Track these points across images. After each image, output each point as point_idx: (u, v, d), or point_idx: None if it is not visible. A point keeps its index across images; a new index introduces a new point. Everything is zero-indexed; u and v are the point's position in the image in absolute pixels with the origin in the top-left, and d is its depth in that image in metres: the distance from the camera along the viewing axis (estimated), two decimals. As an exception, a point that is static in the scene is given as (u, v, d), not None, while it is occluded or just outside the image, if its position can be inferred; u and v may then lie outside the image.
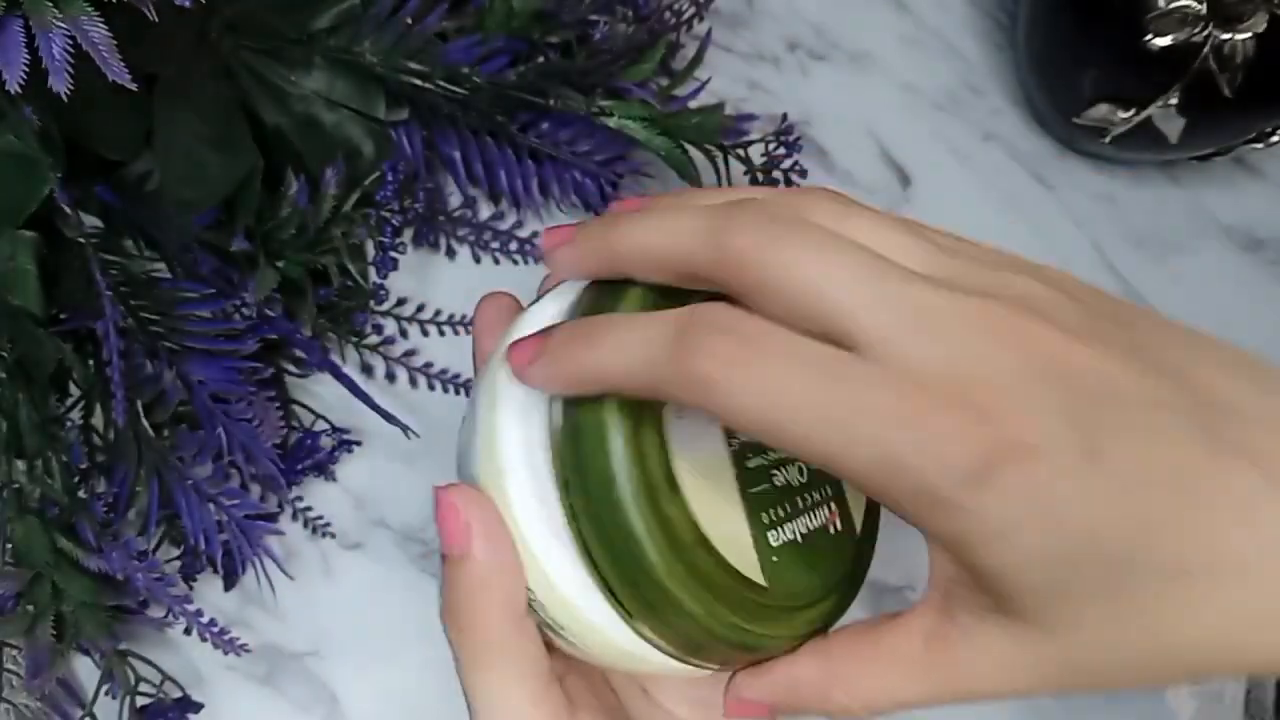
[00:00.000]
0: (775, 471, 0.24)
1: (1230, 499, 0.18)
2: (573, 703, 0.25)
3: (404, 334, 0.41)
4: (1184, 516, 0.18)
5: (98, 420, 0.36)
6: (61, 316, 0.35)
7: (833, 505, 0.25)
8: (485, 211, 0.42)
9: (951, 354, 0.18)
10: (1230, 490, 0.18)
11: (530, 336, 0.22)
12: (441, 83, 0.37)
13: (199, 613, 0.34)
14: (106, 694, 0.35)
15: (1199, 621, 0.18)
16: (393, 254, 0.38)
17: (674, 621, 0.21)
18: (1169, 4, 0.38)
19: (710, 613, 0.21)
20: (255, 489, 0.38)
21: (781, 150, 0.39)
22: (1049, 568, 0.19)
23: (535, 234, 0.41)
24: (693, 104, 0.40)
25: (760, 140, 0.39)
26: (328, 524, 0.39)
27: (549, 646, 0.25)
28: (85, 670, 0.36)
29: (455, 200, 0.41)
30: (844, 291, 0.19)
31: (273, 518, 0.38)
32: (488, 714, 0.24)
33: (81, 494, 0.34)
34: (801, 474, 0.24)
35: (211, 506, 0.34)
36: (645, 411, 0.21)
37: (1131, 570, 0.18)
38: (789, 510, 0.24)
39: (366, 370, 0.40)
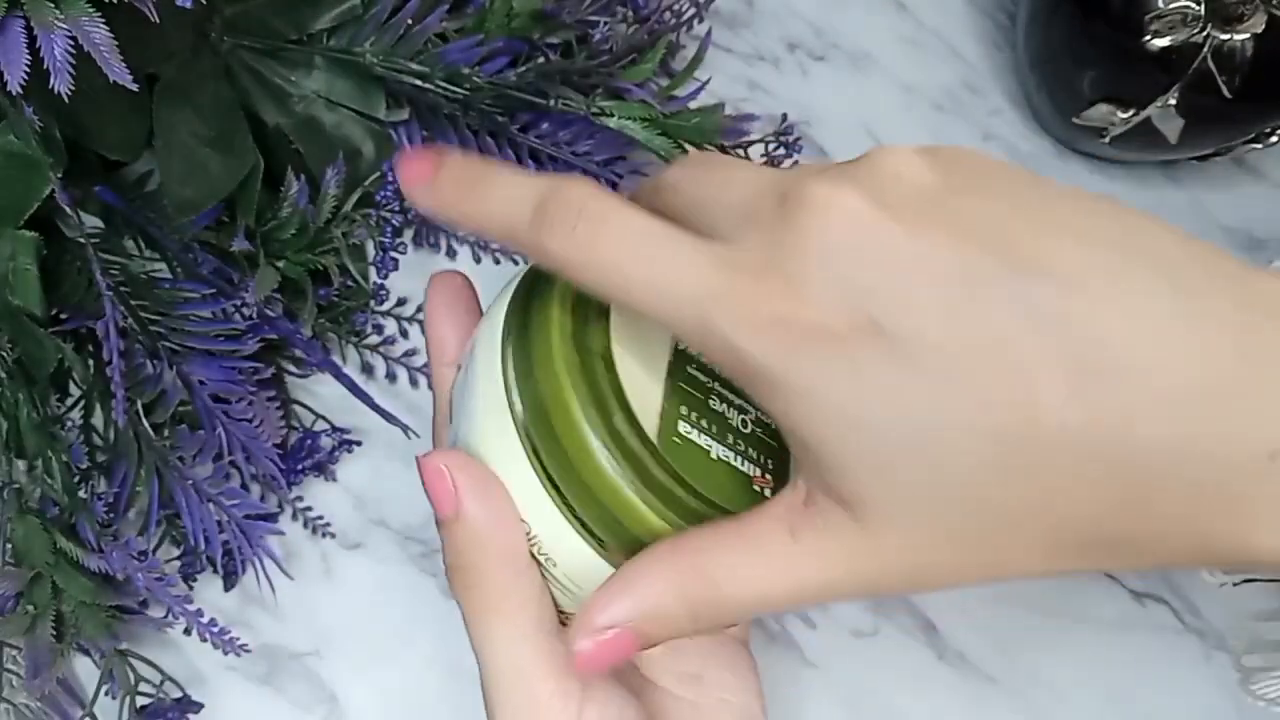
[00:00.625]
0: (715, 399, 0.25)
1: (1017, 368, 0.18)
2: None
3: (404, 334, 0.41)
4: (965, 391, 0.18)
5: (98, 420, 0.36)
6: (62, 316, 0.35)
7: (766, 473, 0.25)
8: (485, 212, 0.42)
9: (767, 239, 0.20)
10: (1016, 360, 0.18)
11: (424, 155, 0.23)
12: (442, 83, 0.37)
13: (199, 613, 0.34)
14: (106, 694, 0.35)
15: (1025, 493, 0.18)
16: (393, 254, 0.38)
17: (594, 494, 0.22)
18: (1169, 4, 0.38)
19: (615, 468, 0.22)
20: (255, 489, 0.38)
21: (781, 150, 0.39)
22: (859, 449, 0.19)
23: (535, 234, 0.41)
24: (693, 104, 0.40)
25: (760, 140, 0.39)
26: (328, 524, 0.39)
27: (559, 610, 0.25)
28: (85, 670, 0.36)
29: (455, 200, 0.41)
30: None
31: (273, 518, 0.38)
32: (493, 668, 0.24)
33: (81, 494, 0.34)
34: (747, 429, 0.25)
35: (211, 506, 0.34)
36: (590, 310, 0.23)
37: (923, 450, 0.19)
38: (711, 429, 0.24)
39: (367, 370, 0.40)
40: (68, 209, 0.32)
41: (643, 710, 0.26)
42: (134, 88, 0.25)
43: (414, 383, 0.40)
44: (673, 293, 0.20)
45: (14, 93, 0.24)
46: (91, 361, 0.36)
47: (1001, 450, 0.18)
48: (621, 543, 0.23)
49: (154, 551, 0.35)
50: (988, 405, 0.18)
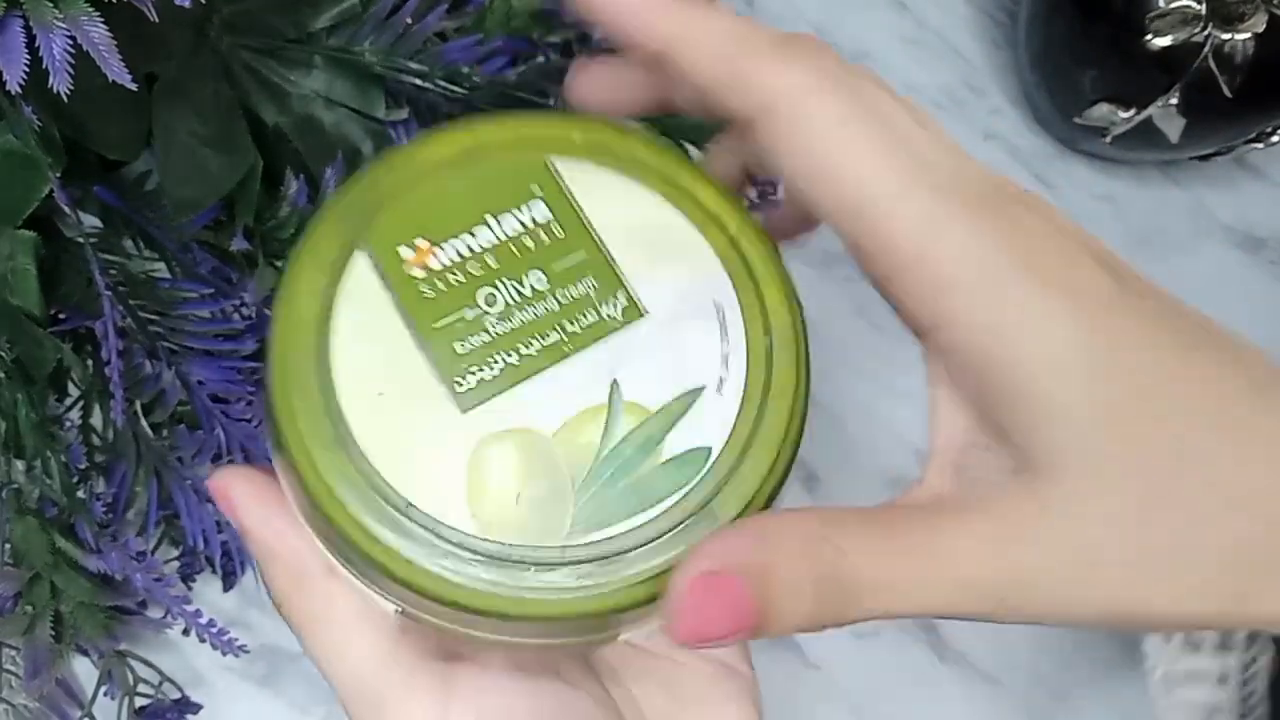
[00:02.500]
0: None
1: None
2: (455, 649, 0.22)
3: (404, 334, 0.41)
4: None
5: (97, 420, 0.36)
6: (61, 316, 0.35)
7: None
8: (485, 211, 0.42)
9: None
10: None
11: None
12: (441, 82, 0.37)
13: (198, 613, 0.34)
14: (105, 694, 0.35)
15: None
16: (392, 254, 0.38)
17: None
18: (1169, 4, 0.38)
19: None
20: (255, 489, 0.38)
21: (782, 150, 0.39)
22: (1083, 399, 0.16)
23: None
24: (693, 104, 0.40)
25: (760, 140, 0.39)
26: (327, 524, 0.39)
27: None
28: (84, 671, 0.36)
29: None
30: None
31: (272, 518, 0.38)
32: (336, 682, 0.22)
33: (80, 494, 0.34)
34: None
35: (211, 507, 0.34)
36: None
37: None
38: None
39: (366, 370, 0.40)
40: (67, 209, 0.32)
41: (555, 701, 0.22)
42: (133, 87, 0.25)
43: (414, 383, 0.40)
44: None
45: (13, 92, 0.24)
46: (90, 361, 0.36)
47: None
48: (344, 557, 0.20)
49: (153, 552, 0.35)
50: None
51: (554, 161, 0.21)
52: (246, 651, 0.35)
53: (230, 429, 0.34)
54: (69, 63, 0.24)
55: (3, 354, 0.34)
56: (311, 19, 0.37)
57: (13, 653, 0.34)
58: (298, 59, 0.37)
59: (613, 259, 0.21)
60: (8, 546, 0.33)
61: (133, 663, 0.35)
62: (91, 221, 0.36)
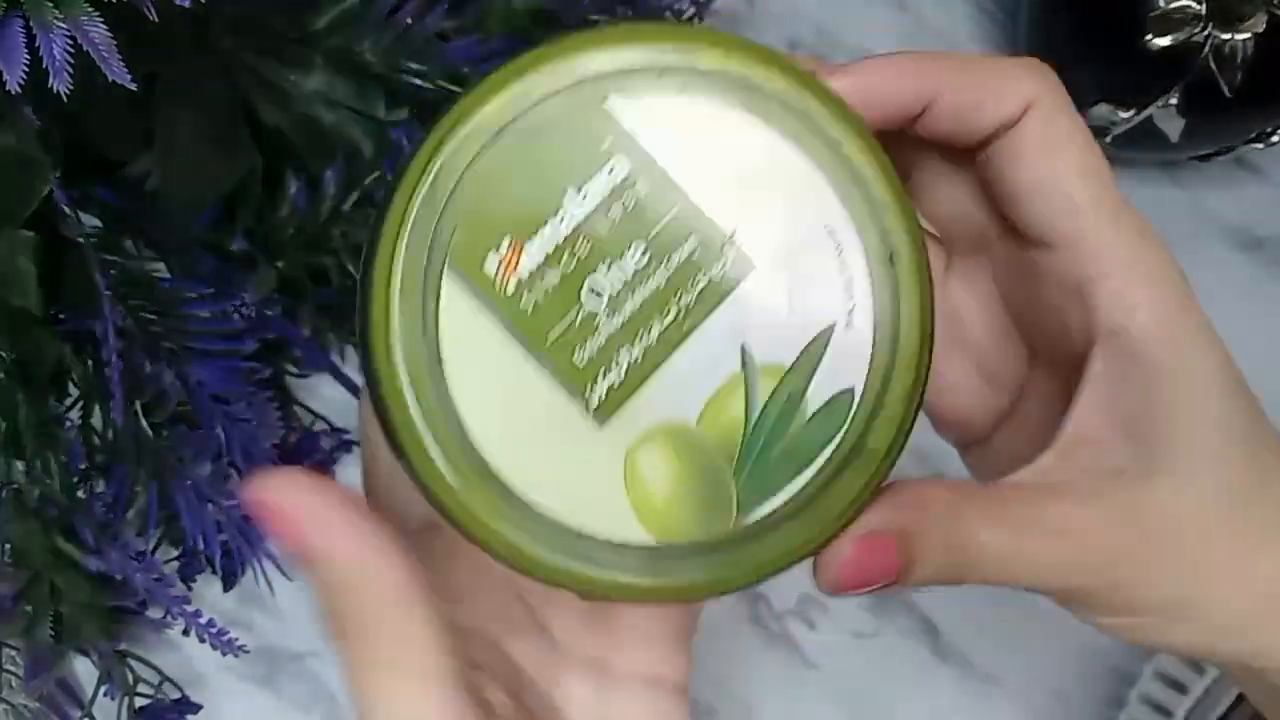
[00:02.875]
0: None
1: None
2: (488, 704, 0.21)
3: (404, 334, 0.41)
4: None
5: (97, 420, 0.36)
6: (61, 316, 0.35)
7: None
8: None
9: None
10: None
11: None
12: (441, 82, 0.37)
13: (197, 613, 0.34)
14: (105, 694, 0.35)
15: None
16: (392, 254, 0.38)
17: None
18: (1169, 4, 0.38)
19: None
20: (255, 489, 0.38)
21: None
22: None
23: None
24: (693, 104, 0.39)
25: (760, 140, 0.39)
26: (327, 524, 0.39)
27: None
28: (84, 671, 0.36)
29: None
30: None
31: (272, 518, 0.38)
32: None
33: (81, 494, 0.34)
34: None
35: (211, 507, 0.34)
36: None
37: None
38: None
39: (366, 370, 0.40)
40: (67, 209, 0.32)
41: None
42: (133, 87, 0.25)
43: (414, 383, 0.40)
44: None
45: (13, 92, 0.24)
46: (90, 362, 0.36)
47: None
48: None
49: (153, 552, 0.35)
50: None
51: (614, 100, 0.19)
52: (246, 651, 0.35)
53: (230, 429, 0.34)
54: (69, 63, 0.24)
55: (3, 354, 0.34)
56: (312, 19, 0.37)
57: (13, 653, 0.34)
58: (298, 59, 0.37)
59: (707, 209, 0.19)
60: (8, 546, 0.33)
61: (133, 663, 0.35)
62: (92, 222, 0.36)
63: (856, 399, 0.19)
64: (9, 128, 0.31)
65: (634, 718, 0.24)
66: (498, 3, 0.38)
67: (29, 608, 0.33)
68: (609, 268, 0.19)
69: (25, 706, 0.34)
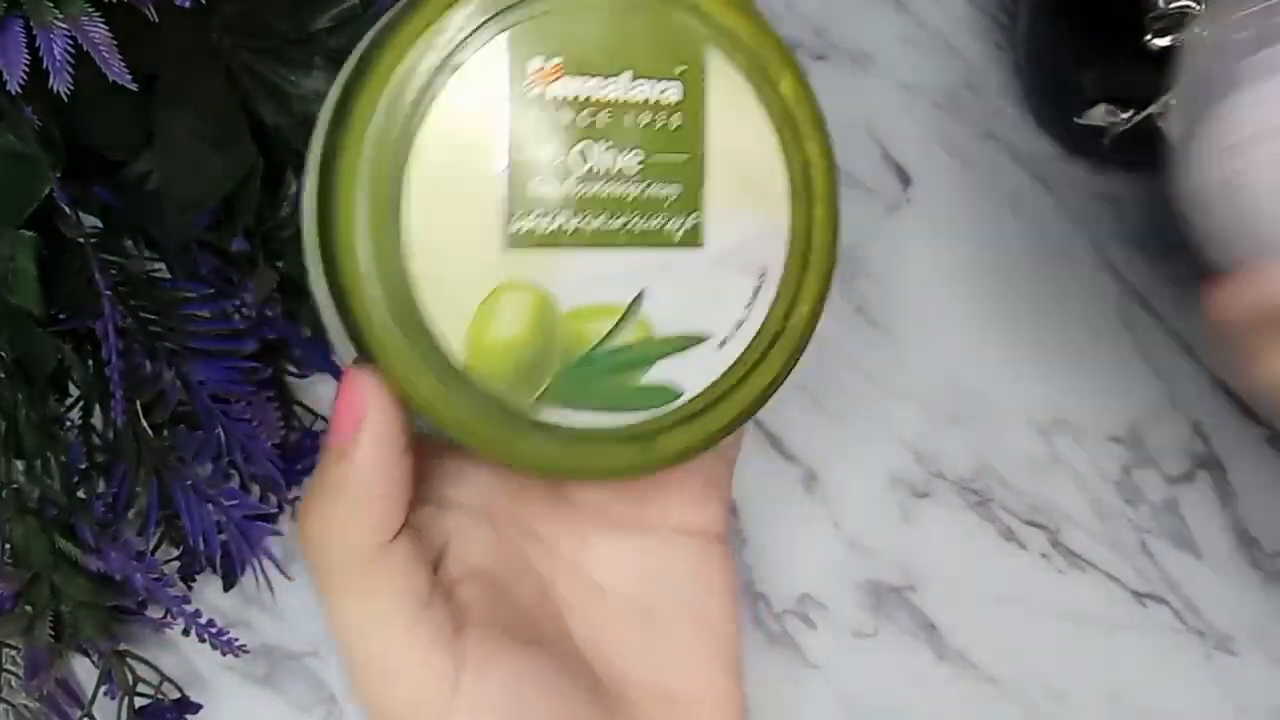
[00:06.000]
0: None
1: None
2: (464, 613, 0.23)
3: (404, 334, 0.41)
4: None
5: (97, 420, 0.36)
6: (61, 316, 0.35)
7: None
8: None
9: None
10: None
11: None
12: (441, 83, 0.37)
13: (197, 613, 0.34)
14: (105, 694, 0.35)
15: None
16: (392, 254, 0.38)
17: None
18: (1169, 4, 0.38)
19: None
20: (255, 489, 0.38)
21: (781, 150, 0.39)
22: None
23: (535, 234, 0.41)
24: (693, 104, 0.39)
25: (760, 140, 0.39)
26: (327, 524, 0.38)
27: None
28: (84, 671, 0.36)
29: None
30: None
31: (272, 518, 0.38)
32: (355, 644, 0.22)
33: (81, 494, 0.34)
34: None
35: (211, 507, 0.34)
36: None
37: None
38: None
39: (366, 370, 0.40)
40: (67, 209, 0.32)
41: (556, 666, 0.24)
42: (133, 87, 0.25)
43: (414, 383, 0.40)
44: None
45: (13, 92, 0.24)
46: (91, 361, 0.36)
47: None
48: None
49: (153, 552, 0.35)
50: None
51: (710, 52, 0.20)
52: (246, 651, 0.35)
53: (230, 429, 0.34)
54: (69, 63, 0.24)
55: (3, 354, 0.34)
56: (312, 19, 0.37)
57: (13, 653, 0.34)
58: (298, 59, 0.37)
59: (706, 178, 0.21)
60: (8, 546, 0.33)
61: (132, 662, 0.35)
62: (92, 222, 0.36)
63: (678, 401, 0.21)
64: (9, 127, 0.31)
65: (675, 563, 0.25)
66: (498, 3, 0.38)
67: (29, 607, 0.33)
68: (607, 149, 0.20)
69: (25, 706, 0.34)
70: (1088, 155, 0.46)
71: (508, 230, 0.20)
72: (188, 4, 0.25)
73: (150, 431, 0.34)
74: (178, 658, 0.37)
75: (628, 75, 0.20)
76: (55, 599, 0.33)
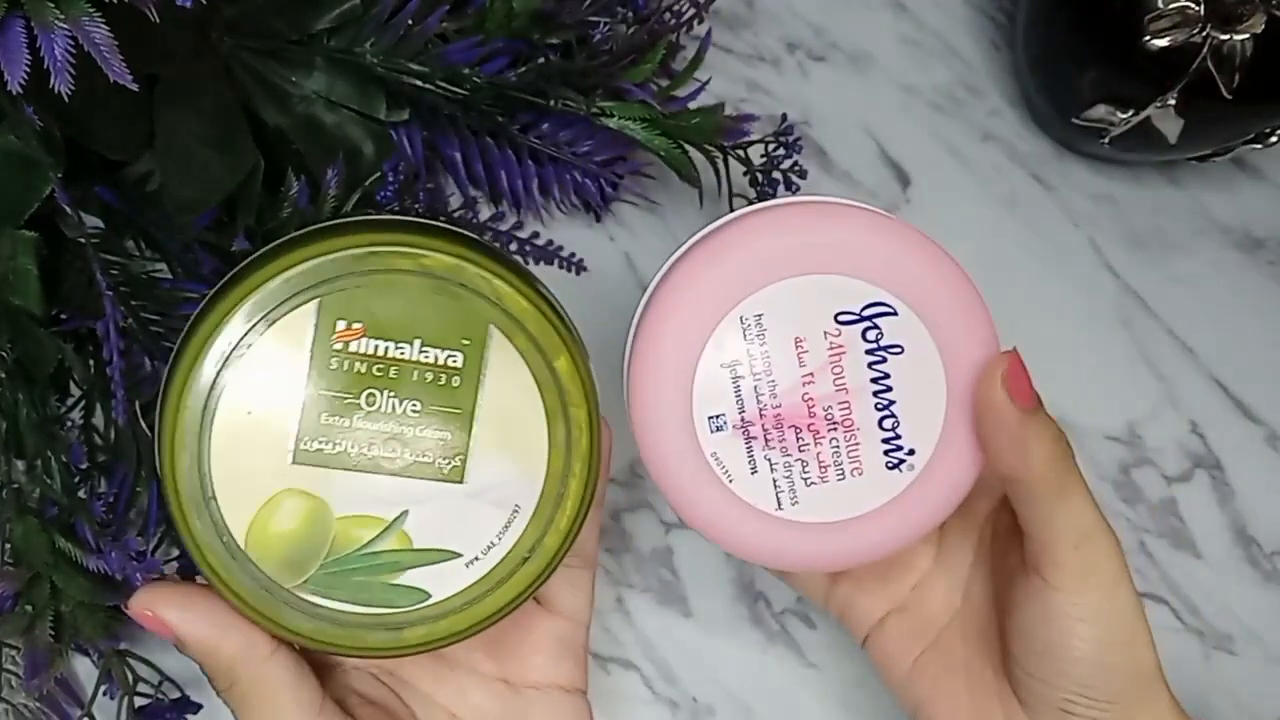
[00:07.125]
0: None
1: None
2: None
3: (404, 334, 0.41)
4: None
5: (98, 420, 0.36)
6: (62, 316, 0.35)
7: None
8: (486, 212, 0.42)
9: None
10: None
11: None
12: (442, 83, 0.37)
13: (199, 613, 0.34)
14: (105, 694, 0.35)
15: None
16: (393, 254, 0.38)
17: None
18: (1168, 4, 0.38)
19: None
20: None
21: (781, 151, 0.39)
22: None
23: (535, 234, 0.41)
24: (692, 105, 0.40)
25: (760, 141, 0.39)
26: (327, 524, 0.39)
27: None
28: (84, 670, 0.36)
29: (456, 201, 0.41)
30: None
31: (272, 518, 0.38)
32: None
33: (81, 494, 0.34)
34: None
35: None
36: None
37: None
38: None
39: (366, 370, 0.40)
40: (68, 209, 0.32)
41: None
42: (134, 88, 0.25)
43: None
44: None
45: (14, 92, 0.24)
46: (91, 361, 0.36)
47: None
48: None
49: (153, 552, 0.35)
50: None
51: (493, 332, 0.25)
52: (247, 651, 0.35)
53: (231, 429, 0.34)
54: (70, 63, 0.24)
55: (4, 354, 0.34)
56: (313, 20, 0.37)
57: (13, 653, 0.34)
58: (299, 60, 0.37)
59: (475, 428, 0.26)
60: (8, 546, 0.33)
61: (132, 662, 0.35)
62: (93, 222, 0.36)
63: (426, 603, 0.26)
64: (10, 128, 0.32)
65: (539, 713, 0.30)
66: (498, 4, 0.38)
67: (29, 607, 0.33)
68: (390, 396, 0.25)
69: (25, 706, 0.34)
70: (1087, 155, 0.46)
71: (299, 448, 0.25)
72: (189, 4, 0.25)
73: (151, 431, 0.34)
74: (178, 657, 0.37)
75: (418, 342, 0.25)
76: (55, 599, 0.33)
